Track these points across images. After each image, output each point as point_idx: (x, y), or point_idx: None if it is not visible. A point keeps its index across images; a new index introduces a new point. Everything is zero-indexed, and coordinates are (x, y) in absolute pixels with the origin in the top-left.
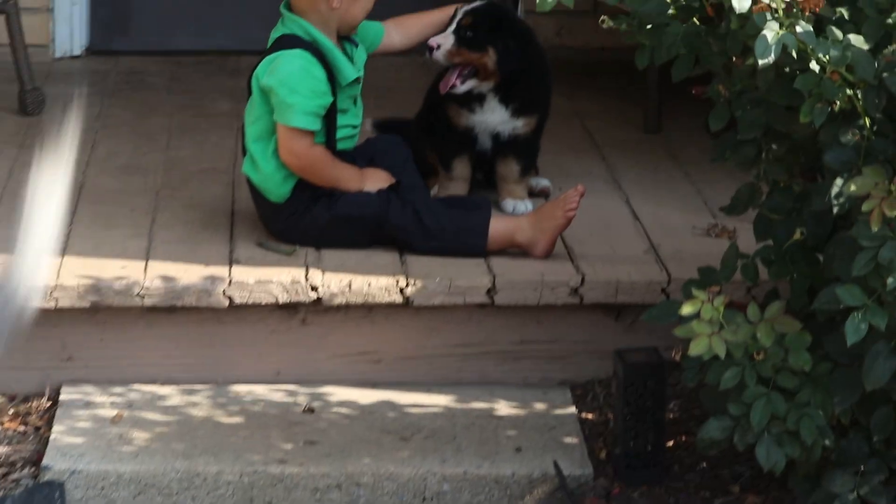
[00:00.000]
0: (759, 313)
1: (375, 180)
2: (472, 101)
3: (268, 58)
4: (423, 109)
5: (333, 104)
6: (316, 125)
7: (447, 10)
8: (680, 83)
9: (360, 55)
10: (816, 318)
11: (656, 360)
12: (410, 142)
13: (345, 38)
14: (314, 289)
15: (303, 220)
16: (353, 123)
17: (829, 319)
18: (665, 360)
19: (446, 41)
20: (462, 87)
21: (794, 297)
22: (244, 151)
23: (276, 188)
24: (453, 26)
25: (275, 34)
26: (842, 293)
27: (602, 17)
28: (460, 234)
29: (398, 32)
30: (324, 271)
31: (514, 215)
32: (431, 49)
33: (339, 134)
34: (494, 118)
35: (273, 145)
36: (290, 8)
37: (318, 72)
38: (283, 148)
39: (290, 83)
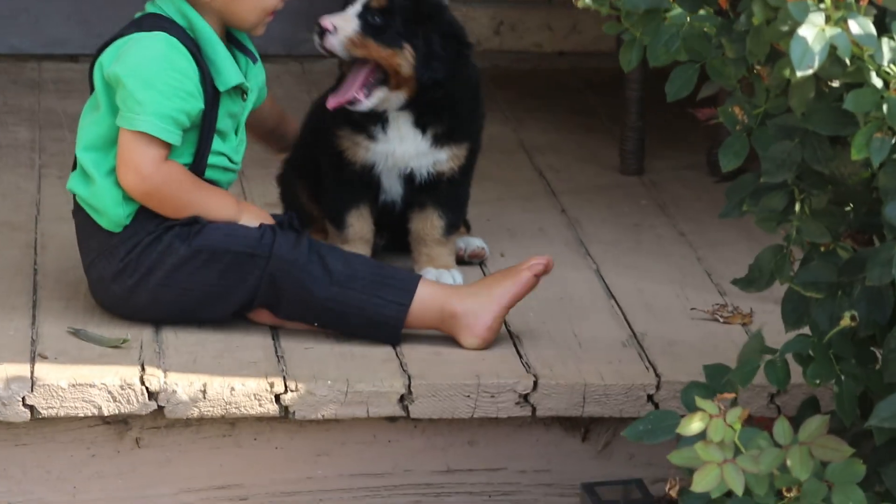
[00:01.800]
0: (790, 433)
1: (257, 215)
2: (373, 122)
3: (118, 41)
4: (302, 139)
5: (211, 117)
6: (173, 137)
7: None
8: (671, 104)
9: (257, 73)
10: (872, 439)
11: (640, 499)
12: (282, 190)
13: (237, 45)
14: (153, 395)
15: (148, 254)
16: (230, 155)
17: (890, 442)
18: (652, 499)
19: (347, 24)
20: (367, 102)
21: (841, 410)
22: (74, 164)
23: (113, 209)
24: (357, 7)
25: (137, 16)
26: None
27: None
28: (377, 286)
29: (265, 107)
30: (167, 370)
31: None
32: (324, 32)
33: (211, 160)
34: (406, 149)
35: (112, 159)
36: None
37: (186, 65)
38: (124, 163)
39: (144, 74)
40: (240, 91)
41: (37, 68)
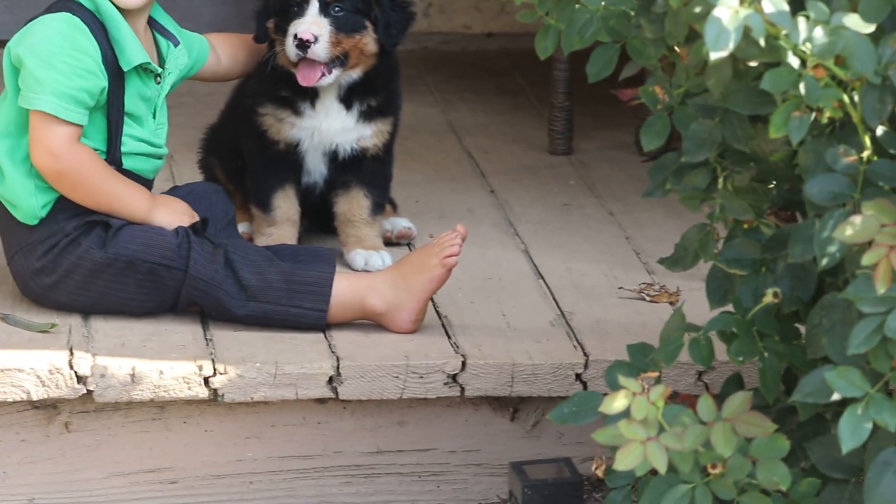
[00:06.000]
0: (714, 409)
1: (172, 211)
2: (301, 98)
3: (27, 25)
4: (219, 121)
5: (117, 98)
6: (76, 117)
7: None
8: (599, 84)
9: (177, 58)
10: (797, 415)
11: (569, 477)
12: (203, 168)
13: (158, 30)
14: (82, 380)
15: (66, 256)
16: (150, 140)
17: (814, 417)
18: (581, 477)
19: (322, 29)
20: (328, 77)
21: (765, 387)
22: None
23: (26, 200)
24: (315, 6)
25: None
26: (833, 379)
27: None
28: (293, 295)
29: (224, 51)
30: (95, 354)
31: (367, 272)
32: (306, 44)
33: (126, 147)
34: (332, 124)
35: (25, 146)
36: None
37: (87, 43)
38: (35, 143)
39: (44, 53)
40: (151, 73)
41: None
